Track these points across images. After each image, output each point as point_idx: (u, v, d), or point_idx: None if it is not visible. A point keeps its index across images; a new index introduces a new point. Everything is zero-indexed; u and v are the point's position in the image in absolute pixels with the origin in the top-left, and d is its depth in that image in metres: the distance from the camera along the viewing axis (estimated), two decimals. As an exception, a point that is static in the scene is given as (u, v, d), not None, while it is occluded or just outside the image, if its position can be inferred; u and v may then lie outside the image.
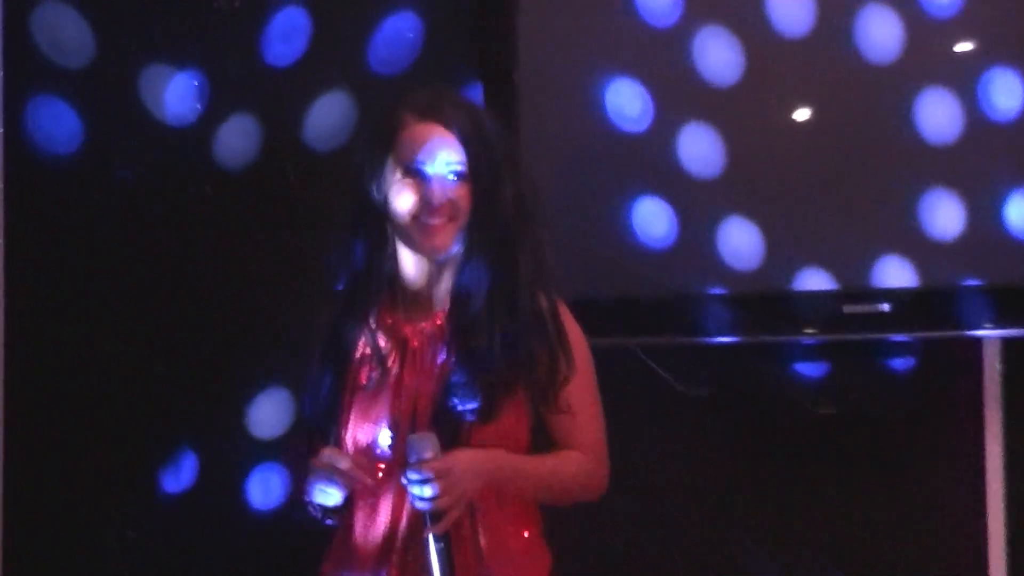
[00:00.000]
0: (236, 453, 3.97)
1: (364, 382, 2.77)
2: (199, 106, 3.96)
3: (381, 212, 2.77)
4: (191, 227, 3.99)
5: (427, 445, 2.62)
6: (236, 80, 3.96)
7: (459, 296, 2.75)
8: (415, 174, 2.75)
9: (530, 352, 2.72)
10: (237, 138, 3.99)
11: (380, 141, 2.79)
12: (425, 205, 2.73)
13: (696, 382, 3.98)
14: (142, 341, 3.96)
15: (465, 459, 2.65)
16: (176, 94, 3.97)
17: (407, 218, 2.76)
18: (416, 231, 2.76)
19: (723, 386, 4.00)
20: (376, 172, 2.78)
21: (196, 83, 3.97)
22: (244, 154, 4.01)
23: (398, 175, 2.77)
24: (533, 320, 2.73)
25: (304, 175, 3.96)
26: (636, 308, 3.85)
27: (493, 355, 2.69)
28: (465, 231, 2.76)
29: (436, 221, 2.74)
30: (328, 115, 4.00)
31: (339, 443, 2.77)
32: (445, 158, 2.75)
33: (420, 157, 2.74)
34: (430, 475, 2.60)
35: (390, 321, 2.81)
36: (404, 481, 2.64)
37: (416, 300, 2.81)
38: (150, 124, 3.99)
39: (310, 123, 4.01)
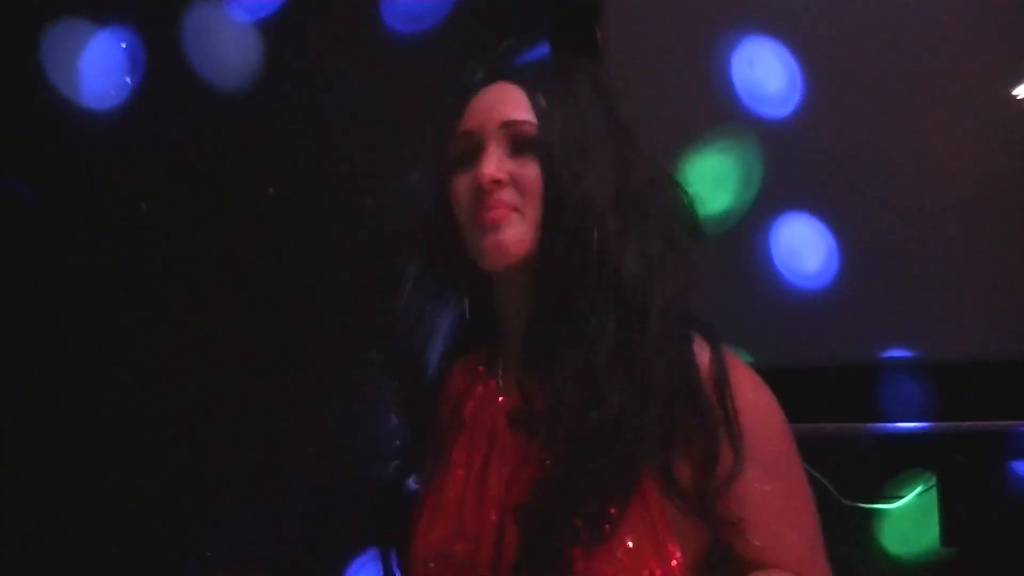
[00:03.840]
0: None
1: (426, 484, 2.31)
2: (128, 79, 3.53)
3: (451, 227, 2.30)
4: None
5: None
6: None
7: (533, 337, 2.21)
8: (469, 155, 2.24)
9: (669, 432, 2.15)
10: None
11: (444, 129, 2.31)
12: (477, 193, 2.22)
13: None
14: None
15: None
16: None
17: (468, 221, 2.25)
18: (474, 234, 2.24)
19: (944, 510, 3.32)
20: (441, 168, 2.32)
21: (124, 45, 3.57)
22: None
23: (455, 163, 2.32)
24: (676, 382, 2.17)
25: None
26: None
27: (594, 434, 2.13)
28: (540, 229, 2.23)
29: (491, 213, 2.21)
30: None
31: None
32: (499, 117, 2.23)
33: (469, 123, 2.25)
34: None
35: (481, 389, 2.33)
36: None
37: (512, 356, 2.29)
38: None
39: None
